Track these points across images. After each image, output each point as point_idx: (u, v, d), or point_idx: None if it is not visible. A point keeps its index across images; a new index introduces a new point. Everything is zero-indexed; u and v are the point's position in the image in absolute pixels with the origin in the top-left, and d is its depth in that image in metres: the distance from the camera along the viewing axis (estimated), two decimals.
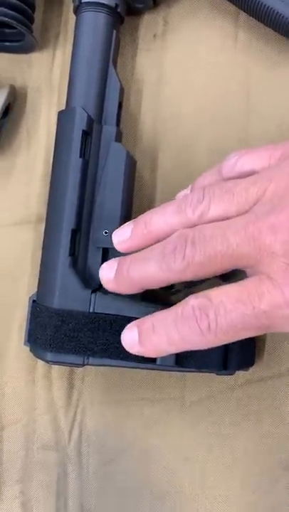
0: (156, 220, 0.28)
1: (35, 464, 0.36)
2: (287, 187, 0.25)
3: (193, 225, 0.27)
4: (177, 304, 0.26)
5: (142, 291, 0.29)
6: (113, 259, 0.30)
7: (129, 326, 0.28)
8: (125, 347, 0.28)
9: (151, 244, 0.28)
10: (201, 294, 0.25)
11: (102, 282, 0.30)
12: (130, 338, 0.27)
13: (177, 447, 0.35)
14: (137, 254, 0.28)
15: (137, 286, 0.28)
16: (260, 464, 0.35)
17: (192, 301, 0.25)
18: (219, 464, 0.35)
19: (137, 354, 0.27)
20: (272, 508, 0.34)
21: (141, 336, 0.27)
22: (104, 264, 0.30)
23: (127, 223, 0.30)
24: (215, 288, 0.25)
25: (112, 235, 0.30)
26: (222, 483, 0.35)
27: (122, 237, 0.29)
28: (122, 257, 0.29)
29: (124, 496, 0.35)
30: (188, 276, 0.26)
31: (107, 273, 0.29)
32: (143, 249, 0.28)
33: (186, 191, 0.31)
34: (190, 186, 0.31)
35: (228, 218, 0.26)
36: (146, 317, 0.27)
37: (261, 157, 0.27)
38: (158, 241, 0.28)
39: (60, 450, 0.36)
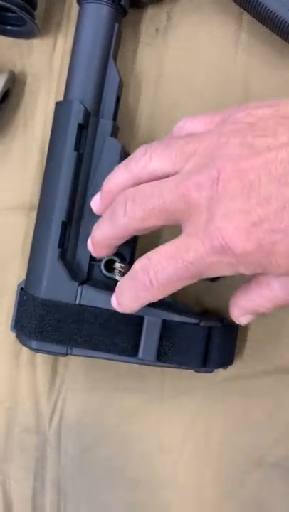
0: (111, 180, 0.31)
1: (16, 445, 0.37)
2: (214, 149, 0.27)
3: (138, 180, 0.30)
4: (131, 269, 0.30)
5: (113, 252, 0.33)
6: None
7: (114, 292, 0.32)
8: (114, 307, 0.32)
9: None
10: (143, 256, 0.29)
11: (90, 251, 0.33)
12: (113, 301, 0.32)
13: (154, 437, 0.37)
14: (99, 219, 0.32)
15: (104, 245, 0.32)
16: (231, 458, 0.36)
17: (137, 264, 0.29)
18: (193, 456, 0.36)
19: (121, 311, 0.31)
20: (243, 499, 0.36)
21: (117, 298, 0.31)
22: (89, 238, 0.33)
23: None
24: (155, 249, 0.29)
25: (90, 202, 0.33)
26: (194, 474, 0.36)
27: (95, 201, 0.33)
28: None
29: (99, 480, 0.37)
30: (132, 230, 0.30)
31: (88, 243, 0.33)
32: None
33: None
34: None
35: (165, 172, 0.29)
36: (118, 283, 0.31)
37: (204, 122, 0.30)
38: None
39: (41, 434, 0.37)
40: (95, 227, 0.32)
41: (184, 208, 0.27)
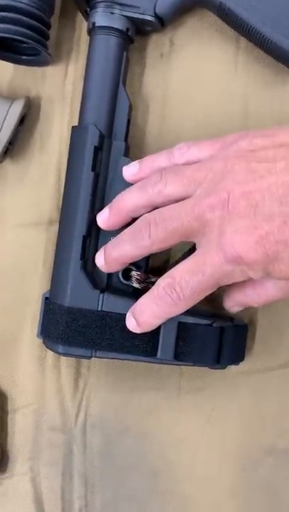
0: (125, 200, 0.35)
1: (44, 443, 0.40)
2: (222, 174, 0.31)
3: (152, 202, 0.34)
4: (152, 288, 0.34)
5: (125, 266, 0.36)
6: (101, 248, 0.36)
7: (127, 315, 0.35)
8: (131, 330, 0.34)
9: (126, 221, 0.35)
10: (166, 275, 0.33)
11: (99, 267, 0.36)
12: (131, 324, 0.34)
13: (172, 431, 0.39)
14: (115, 239, 0.35)
15: (120, 263, 0.35)
16: (245, 448, 0.39)
17: (162, 283, 0.33)
18: (209, 448, 0.39)
19: (139, 332, 0.34)
20: (256, 484, 0.38)
21: (136, 320, 0.34)
22: (96, 254, 0.36)
23: (106, 206, 0.36)
24: (175, 267, 0.33)
25: (97, 216, 0.36)
26: (211, 465, 0.39)
27: (102, 216, 0.36)
28: (105, 245, 0.36)
29: (123, 472, 0.39)
30: (154, 249, 0.33)
31: (100, 260, 0.36)
32: (121, 225, 0.35)
33: (134, 164, 0.36)
34: (137, 161, 0.36)
35: (179, 195, 0.33)
36: (134, 305, 0.34)
37: (206, 148, 0.34)
38: (129, 217, 0.35)
39: (67, 432, 0.40)
40: (111, 246, 0.35)
41: (199, 227, 0.32)
